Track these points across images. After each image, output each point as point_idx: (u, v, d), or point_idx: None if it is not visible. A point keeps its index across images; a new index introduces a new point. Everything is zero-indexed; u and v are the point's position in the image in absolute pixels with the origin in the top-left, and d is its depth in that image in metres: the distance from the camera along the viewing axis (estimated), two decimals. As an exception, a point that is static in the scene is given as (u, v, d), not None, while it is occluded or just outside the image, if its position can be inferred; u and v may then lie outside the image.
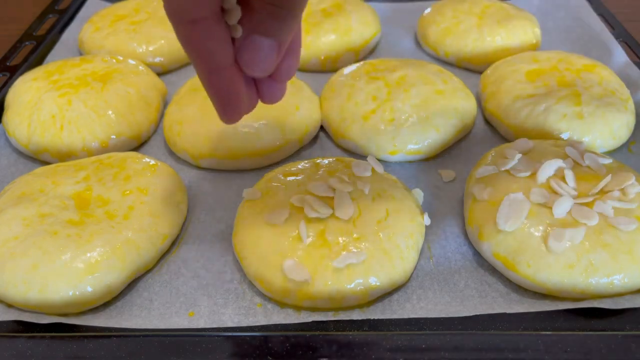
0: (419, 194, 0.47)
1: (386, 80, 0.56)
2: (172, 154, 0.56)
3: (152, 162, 0.49)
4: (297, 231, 0.41)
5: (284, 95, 0.36)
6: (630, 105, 0.55)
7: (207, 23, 0.28)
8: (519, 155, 0.46)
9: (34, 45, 0.69)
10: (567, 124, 0.52)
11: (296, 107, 0.55)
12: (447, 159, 0.54)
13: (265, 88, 0.34)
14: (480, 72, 0.65)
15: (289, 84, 0.57)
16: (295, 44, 0.33)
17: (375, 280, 0.40)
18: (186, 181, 0.52)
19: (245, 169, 0.53)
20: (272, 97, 0.35)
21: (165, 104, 0.62)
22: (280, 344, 0.37)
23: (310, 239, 0.41)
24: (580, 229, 0.40)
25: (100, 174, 0.47)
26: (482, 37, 0.67)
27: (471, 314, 0.39)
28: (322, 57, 0.67)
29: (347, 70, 0.60)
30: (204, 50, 0.29)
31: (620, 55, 0.65)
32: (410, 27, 0.77)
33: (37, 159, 0.55)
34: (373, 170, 0.47)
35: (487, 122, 0.59)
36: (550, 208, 0.41)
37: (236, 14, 0.29)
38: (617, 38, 0.68)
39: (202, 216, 0.49)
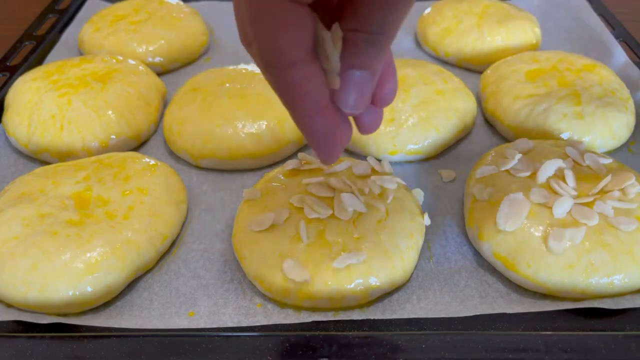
0: (419, 194, 0.47)
1: (386, 80, 0.56)
2: (172, 154, 0.56)
3: (152, 162, 0.49)
4: (297, 231, 0.41)
5: (381, 122, 0.33)
6: (630, 105, 0.55)
7: (304, 63, 0.27)
8: (519, 155, 0.46)
9: (34, 45, 0.69)
10: (567, 124, 0.52)
11: (296, 107, 0.55)
12: (447, 159, 0.54)
13: (365, 117, 0.32)
14: (480, 72, 0.65)
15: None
16: (391, 67, 0.31)
17: (375, 280, 0.40)
18: (186, 181, 0.52)
19: (245, 169, 0.53)
20: (372, 126, 0.33)
21: (165, 104, 0.62)
22: (280, 344, 0.37)
23: (310, 239, 0.40)
24: (580, 229, 0.40)
25: (100, 174, 0.47)
26: (482, 37, 0.67)
27: (471, 314, 0.39)
28: (322, 57, 0.67)
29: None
30: (302, 93, 0.27)
31: (620, 55, 0.65)
32: (410, 27, 0.77)
33: (37, 159, 0.55)
34: (373, 170, 0.47)
35: (487, 122, 0.59)
36: (550, 208, 0.41)
37: (336, 51, 0.27)
38: (617, 38, 0.68)
39: (202, 216, 0.49)
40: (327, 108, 0.29)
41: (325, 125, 0.29)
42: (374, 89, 0.29)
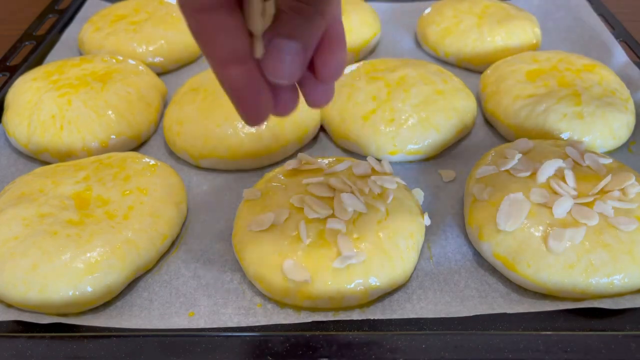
0: (419, 193, 0.47)
1: (386, 80, 0.56)
2: (172, 154, 0.56)
3: (152, 162, 0.49)
4: (297, 231, 0.41)
5: (332, 97, 0.32)
6: (630, 105, 0.55)
7: (218, 13, 0.26)
8: (519, 155, 0.46)
9: (34, 45, 0.69)
10: (567, 124, 0.52)
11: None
12: (447, 159, 0.54)
13: (309, 90, 0.31)
14: (480, 72, 0.65)
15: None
16: (338, 42, 0.30)
17: (375, 280, 0.40)
18: (186, 181, 0.52)
19: (245, 169, 0.53)
20: (318, 101, 0.32)
21: (165, 104, 0.62)
22: (280, 344, 0.37)
23: (310, 239, 0.40)
24: (580, 229, 0.40)
25: (100, 174, 0.47)
26: (482, 37, 0.67)
27: (471, 314, 0.39)
28: (322, 57, 0.67)
29: (347, 70, 0.60)
30: (213, 42, 0.27)
31: (620, 55, 0.65)
32: (410, 27, 0.77)
33: (37, 159, 0.55)
34: (373, 170, 0.47)
35: (487, 122, 0.59)
36: (550, 208, 0.41)
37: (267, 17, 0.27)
38: (617, 38, 0.68)
39: (202, 216, 0.49)
40: (245, 62, 0.28)
41: (242, 79, 0.28)
42: (305, 62, 0.28)
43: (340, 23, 0.31)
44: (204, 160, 0.53)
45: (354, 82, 0.57)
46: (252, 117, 0.30)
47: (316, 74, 0.30)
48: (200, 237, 0.47)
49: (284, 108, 0.31)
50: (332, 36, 0.30)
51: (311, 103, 0.32)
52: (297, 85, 0.31)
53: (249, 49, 0.28)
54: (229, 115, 0.52)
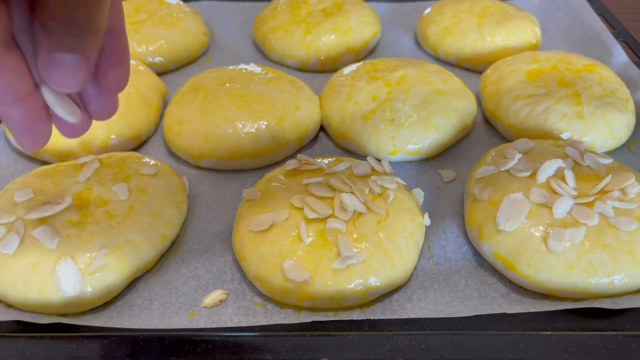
0: (419, 193, 0.47)
1: (386, 80, 0.56)
2: (172, 154, 0.56)
3: (152, 162, 0.49)
4: (297, 231, 0.41)
5: (117, 109, 0.33)
6: (630, 105, 0.55)
7: None
8: (519, 155, 0.46)
9: (34, 45, 0.69)
10: (567, 123, 0.52)
11: (296, 107, 0.55)
12: (447, 159, 0.54)
13: (93, 103, 0.32)
14: (480, 72, 0.65)
15: (289, 83, 0.57)
16: (118, 54, 0.31)
17: (375, 280, 0.40)
18: (186, 181, 0.52)
19: (245, 169, 0.53)
20: (101, 113, 0.32)
21: (165, 104, 0.62)
22: (280, 344, 0.37)
23: (310, 239, 0.41)
24: (580, 229, 0.40)
25: (100, 173, 0.47)
26: (482, 37, 0.67)
27: (471, 314, 0.39)
28: (322, 57, 0.67)
29: (347, 70, 0.60)
30: None
31: (620, 55, 0.65)
32: (410, 27, 0.77)
33: (37, 158, 0.55)
34: (373, 170, 0.47)
35: (487, 122, 0.59)
36: (550, 208, 0.41)
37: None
38: (617, 38, 0.69)
39: (202, 216, 0.49)
40: (25, 99, 0.28)
41: (23, 115, 0.29)
42: (88, 70, 0.29)
43: (122, 37, 0.32)
44: (204, 160, 0.53)
45: (354, 82, 0.57)
46: (29, 146, 0.31)
47: (98, 85, 0.31)
48: (200, 237, 0.47)
49: (101, 112, 0.32)
50: (113, 50, 0.31)
51: (95, 115, 0.32)
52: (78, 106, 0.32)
53: (28, 87, 0.28)
54: (229, 115, 0.53)
